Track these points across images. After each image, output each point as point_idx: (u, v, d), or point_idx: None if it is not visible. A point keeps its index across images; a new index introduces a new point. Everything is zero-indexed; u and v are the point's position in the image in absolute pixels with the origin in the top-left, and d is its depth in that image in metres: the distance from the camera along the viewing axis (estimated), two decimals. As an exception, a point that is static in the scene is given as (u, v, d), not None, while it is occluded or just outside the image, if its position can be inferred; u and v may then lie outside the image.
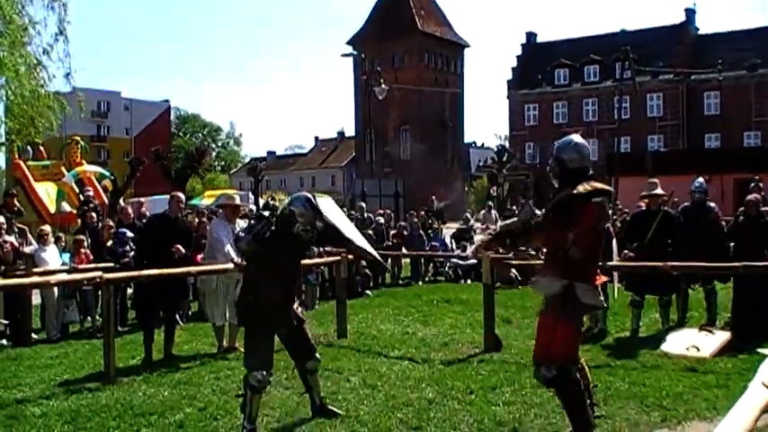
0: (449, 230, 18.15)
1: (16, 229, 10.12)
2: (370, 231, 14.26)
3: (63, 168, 21.41)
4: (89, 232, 10.72)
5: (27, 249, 9.60)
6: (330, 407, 5.32)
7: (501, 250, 6.27)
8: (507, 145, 55.65)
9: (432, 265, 15.65)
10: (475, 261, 12.45)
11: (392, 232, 15.57)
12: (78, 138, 23.84)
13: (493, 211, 18.84)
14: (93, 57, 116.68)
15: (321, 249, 8.57)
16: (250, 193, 28.27)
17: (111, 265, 8.97)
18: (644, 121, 40.23)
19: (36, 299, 9.69)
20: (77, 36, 68.96)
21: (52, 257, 9.61)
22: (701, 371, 6.31)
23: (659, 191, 8.53)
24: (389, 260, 15.05)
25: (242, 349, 5.86)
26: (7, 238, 9.11)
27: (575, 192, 4.28)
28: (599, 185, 4.37)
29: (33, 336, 9.19)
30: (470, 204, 44.36)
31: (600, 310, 7.23)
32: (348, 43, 62.13)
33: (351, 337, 8.45)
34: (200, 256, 8.74)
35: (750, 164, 22.84)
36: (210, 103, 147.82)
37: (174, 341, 7.83)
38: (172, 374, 6.75)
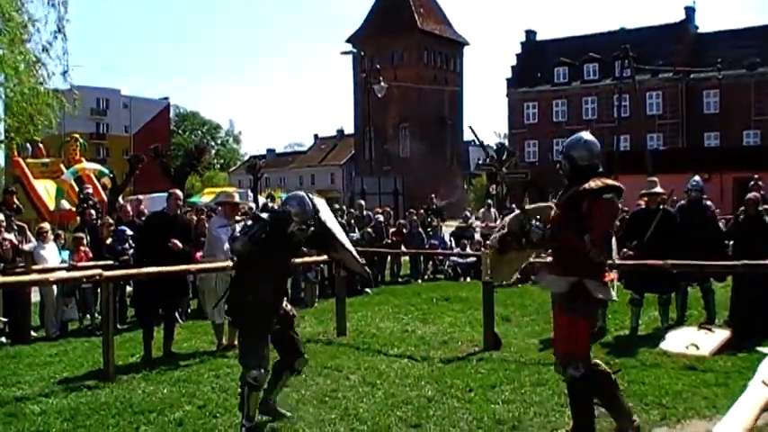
0: (448, 228, 18.16)
1: (15, 227, 10.14)
2: (370, 229, 14.27)
3: (62, 166, 21.46)
4: (88, 230, 10.71)
5: (26, 247, 9.61)
6: (279, 408, 5.23)
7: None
8: (507, 143, 55.59)
9: (431, 262, 15.66)
10: (474, 259, 12.38)
11: (391, 230, 15.55)
12: (77, 135, 23.86)
13: (492, 210, 18.82)
14: (94, 56, 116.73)
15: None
16: (249, 191, 28.18)
17: (111, 262, 9.00)
18: (643, 120, 40.16)
19: (35, 296, 9.68)
20: (78, 35, 69.14)
21: (51, 255, 9.60)
22: (700, 369, 6.31)
23: (658, 189, 8.51)
24: (389, 258, 15.09)
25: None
26: (6, 235, 9.13)
27: (586, 187, 4.27)
28: (610, 182, 4.38)
29: (32, 333, 9.19)
30: (470, 202, 44.36)
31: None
32: (347, 41, 62.16)
33: (350, 335, 8.45)
34: (199, 254, 8.74)
35: (749, 162, 22.90)
36: (210, 103, 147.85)
37: (174, 339, 7.84)
38: (171, 372, 6.76)
